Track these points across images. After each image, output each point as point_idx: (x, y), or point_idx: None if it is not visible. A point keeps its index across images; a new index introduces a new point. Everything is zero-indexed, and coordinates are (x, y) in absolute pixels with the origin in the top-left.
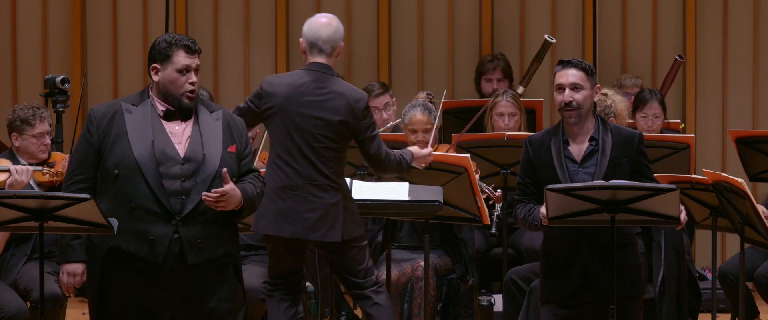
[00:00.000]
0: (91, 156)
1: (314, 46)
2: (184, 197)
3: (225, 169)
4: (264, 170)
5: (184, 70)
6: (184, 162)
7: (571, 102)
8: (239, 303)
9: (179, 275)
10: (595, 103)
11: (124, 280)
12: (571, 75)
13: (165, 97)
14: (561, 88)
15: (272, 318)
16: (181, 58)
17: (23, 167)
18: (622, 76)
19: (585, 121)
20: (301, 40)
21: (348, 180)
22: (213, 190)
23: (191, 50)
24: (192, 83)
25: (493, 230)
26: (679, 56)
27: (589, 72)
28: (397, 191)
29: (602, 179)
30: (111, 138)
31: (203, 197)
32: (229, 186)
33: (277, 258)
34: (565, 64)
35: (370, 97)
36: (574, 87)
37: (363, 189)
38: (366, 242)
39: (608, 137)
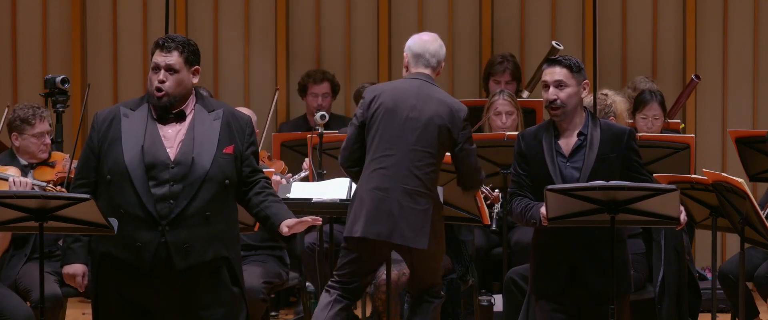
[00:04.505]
0: (92, 161)
1: (420, 57)
2: (172, 201)
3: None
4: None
5: (155, 68)
6: (174, 166)
7: (555, 100)
8: (237, 307)
9: (169, 280)
10: (595, 102)
11: (117, 285)
12: (554, 73)
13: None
14: (546, 85)
15: (318, 311)
16: (154, 57)
17: (25, 180)
18: (636, 79)
19: (573, 116)
20: (405, 53)
21: (348, 180)
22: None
23: (163, 48)
24: (160, 81)
25: (494, 227)
26: (696, 76)
27: (575, 69)
28: None
29: (590, 173)
30: (107, 143)
31: None
32: (289, 229)
33: (357, 259)
34: (551, 62)
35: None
36: (558, 85)
37: None
38: (443, 258)
39: (597, 132)
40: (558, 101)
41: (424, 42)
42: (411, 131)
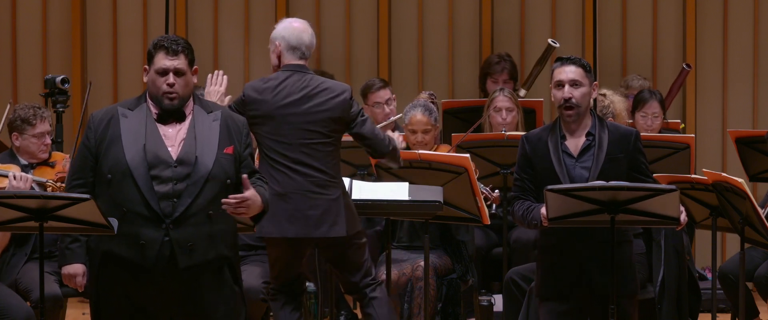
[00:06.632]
0: (89, 161)
1: (296, 50)
2: (175, 200)
3: (245, 176)
4: None
5: (162, 72)
6: (176, 164)
7: (570, 98)
8: (238, 306)
9: (172, 278)
10: (595, 102)
11: (119, 283)
12: (570, 71)
13: (155, 99)
14: (560, 84)
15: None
16: (159, 60)
17: (24, 175)
18: (628, 77)
19: (582, 117)
20: (277, 43)
21: (347, 180)
22: (231, 196)
23: (170, 51)
24: (170, 85)
25: (494, 210)
26: (687, 65)
27: (588, 69)
28: (397, 191)
29: (599, 173)
30: (106, 143)
31: (223, 203)
32: (250, 193)
33: (282, 262)
34: (564, 61)
35: (371, 91)
36: (574, 83)
37: (363, 189)
38: (365, 239)
39: (605, 133)
40: (573, 100)
41: (299, 33)
42: (303, 126)
